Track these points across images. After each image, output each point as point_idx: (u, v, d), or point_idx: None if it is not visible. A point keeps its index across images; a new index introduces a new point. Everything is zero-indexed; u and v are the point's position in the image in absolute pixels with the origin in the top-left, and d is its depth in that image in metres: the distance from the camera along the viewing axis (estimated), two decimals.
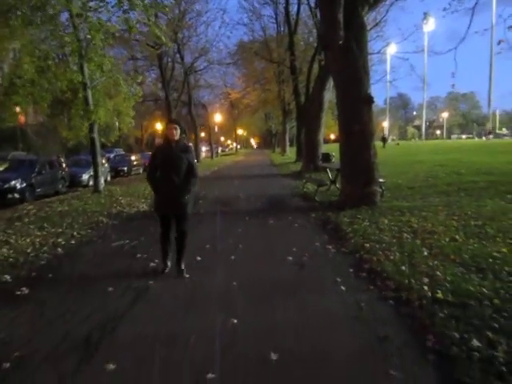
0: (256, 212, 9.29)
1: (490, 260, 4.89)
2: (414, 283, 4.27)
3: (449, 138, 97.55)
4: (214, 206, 10.30)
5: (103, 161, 20.03)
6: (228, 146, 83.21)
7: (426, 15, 22.91)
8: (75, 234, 7.12)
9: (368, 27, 22.82)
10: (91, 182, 19.85)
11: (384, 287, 4.31)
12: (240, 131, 67.67)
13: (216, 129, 49.84)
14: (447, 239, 5.92)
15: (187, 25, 24.45)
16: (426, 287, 4.14)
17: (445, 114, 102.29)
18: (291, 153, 38.59)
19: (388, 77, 40.31)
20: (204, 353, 3.02)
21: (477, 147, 31.69)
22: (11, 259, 5.59)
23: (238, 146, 71.15)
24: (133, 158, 27.52)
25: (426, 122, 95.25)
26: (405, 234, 6.30)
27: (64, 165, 18.77)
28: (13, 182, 14.41)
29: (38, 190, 15.63)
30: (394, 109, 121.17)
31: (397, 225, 6.97)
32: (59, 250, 6.18)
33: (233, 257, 5.61)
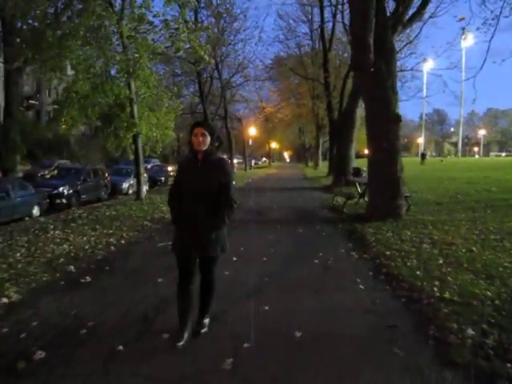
0: (287, 221, 9.94)
1: (501, 269, 5.35)
2: (426, 285, 4.80)
3: (487, 155, 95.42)
4: (247, 214, 11.01)
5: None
6: (261, 158, 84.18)
7: (464, 30, 23.19)
8: (124, 235, 7.97)
9: (401, 44, 23.30)
10: (130, 191, 21.03)
11: (398, 288, 4.86)
12: (273, 144, 68.52)
13: (250, 142, 50.82)
14: (464, 250, 6.38)
15: (226, 42, 25.63)
16: (435, 289, 4.67)
17: (482, 131, 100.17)
18: (323, 167, 39.06)
19: (424, 92, 40.36)
20: (241, 329, 3.68)
21: None
22: (72, 254, 6.44)
23: (271, 160, 71.92)
24: (169, 168, 28.67)
25: (463, 138, 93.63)
26: (424, 245, 6.79)
27: (106, 174, 20.02)
28: (61, 189, 15.63)
29: (83, 196, 16.80)
30: (430, 125, 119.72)
31: (418, 236, 7.45)
32: (112, 248, 7.01)
33: (265, 258, 6.27)
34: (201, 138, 3.32)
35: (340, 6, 25.60)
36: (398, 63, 24.95)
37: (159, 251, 6.77)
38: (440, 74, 48.43)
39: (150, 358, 3.21)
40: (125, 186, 21.29)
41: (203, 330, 3.60)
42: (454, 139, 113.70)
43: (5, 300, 4.42)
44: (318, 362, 3.16)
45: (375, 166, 9.89)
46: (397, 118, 9.69)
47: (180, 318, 3.49)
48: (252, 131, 45.88)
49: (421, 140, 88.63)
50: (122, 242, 7.48)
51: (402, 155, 10.02)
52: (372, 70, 9.32)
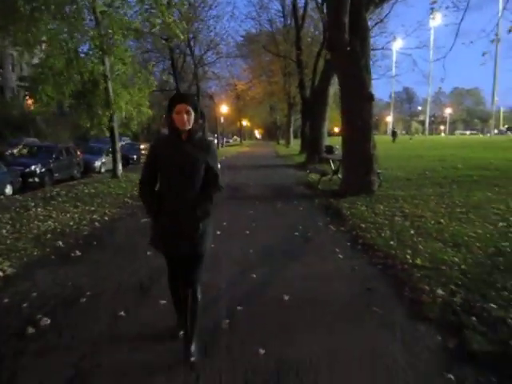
0: (264, 198, 10.24)
1: (466, 238, 5.80)
2: (399, 253, 5.20)
3: (452, 133, 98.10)
4: (225, 191, 11.22)
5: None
6: (233, 136, 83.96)
7: (433, 10, 23.55)
8: (107, 211, 8.09)
9: (372, 23, 23.55)
10: (103, 169, 20.87)
11: (374, 256, 5.24)
12: (244, 123, 68.40)
13: (222, 120, 50.64)
14: (433, 222, 6.84)
15: (198, 18, 25.29)
16: (408, 256, 5.07)
17: (449, 110, 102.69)
18: (295, 145, 39.46)
19: (393, 71, 40.98)
20: (233, 294, 3.97)
21: (479, 143, 32.52)
22: (58, 230, 6.55)
23: (242, 138, 71.87)
24: (142, 146, 28.46)
25: (430, 117, 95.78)
26: (396, 218, 7.22)
27: (79, 152, 19.75)
28: (33, 167, 15.37)
29: (56, 174, 16.58)
30: (399, 103, 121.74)
31: (390, 210, 7.88)
32: (96, 224, 7.15)
33: (247, 232, 6.57)
34: (185, 116, 2.65)
35: None
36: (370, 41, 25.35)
37: (144, 226, 6.93)
38: (410, 53, 49.02)
39: (151, 320, 3.46)
40: (97, 164, 21.10)
41: (192, 359, 2.85)
42: (421, 118, 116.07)
43: (0, 273, 4.55)
44: (307, 320, 3.49)
45: (349, 144, 10.23)
46: (370, 97, 10.02)
47: (176, 308, 3.17)
48: (224, 109, 45.69)
49: (390, 118, 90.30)
50: (106, 218, 7.62)
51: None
52: (347, 49, 9.56)
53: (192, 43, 26.10)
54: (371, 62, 26.97)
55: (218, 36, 29.79)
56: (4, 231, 6.35)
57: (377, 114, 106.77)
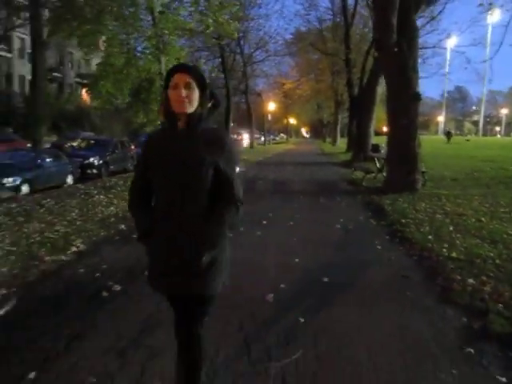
0: (308, 193, 10.62)
1: (505, 236, 5.97)
2: (436, 247, 5.46)
3: (508, 134, 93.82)
4: (271, 185, 11.75)
5: None
6: (279, 134, 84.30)
7: (491, 6, 22.95)
8: None
9: (424, 21, 23.20)
10: None
11: (411, 248, 5.53)
12: (291, 120, 68.57)
13: (269, 117, 51.15)
14: (473, 220, 6.99)
15: (248, 17, 25.89)
16: (444, 250, 5.33)
17: (505, 110, 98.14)
18: (342, 143, 39.36)
19: (446, 69, 39.87)
20: (277, 274, 4.42)
21: None
22: (120, 215, 7.24)
23: (289, 135, 72.08)
24: None
25: (485, 117, 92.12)
26: (437, 215, 7.41)
27: (132, 146, 20.85)
28: (91, 159, 16.49)
29: (111, 167, 17.65)
30: (450, 102, 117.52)
31: (432, 208, 8.06)
32: None
33: (291, 222, 7.00)
34: (184, 92, 1.90)
35: None
36: (420, 40, 24.89)
37: None
38: (463, 51, 47.36)
39: None
40: None
41: None
42: (475, 118, 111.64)
43: (74, 249, 5.23)
44: (343, 299, 3.88)
45: (394, 142, 10.43)
46: (417, 97, 10.16)
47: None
48: (271, 106, 46.14)
49: (441, 118, 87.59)
50: None
51: (420, 133, 10.52)
52: (395, 49, 9.75)
53: (242, 42, 26.72)
54: (421, 61, 26.40)
55: (266, 34, 30.36)
56: (73, 214, 7.11)
57: (427, 114, 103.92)
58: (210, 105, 2.05)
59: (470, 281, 4.24)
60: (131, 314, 3.49)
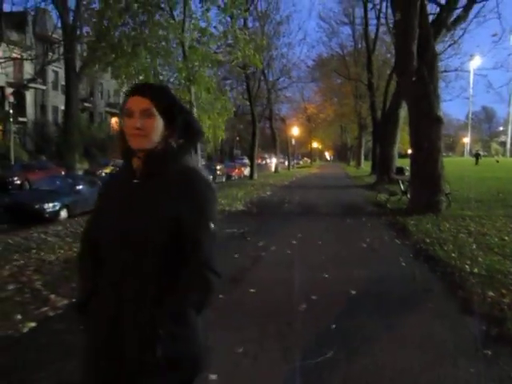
0: (334, 214, 10.99)
1: None
2: (459, 263, 5.75)
3: None
4: (298, 207, 12.19)
5: None
6: (302, 158, 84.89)
7: None
8: None
9: (445, 45, 23.58)
10: None
11: (435, 265, 5.84)
12: (315, 144, 69.16)
13: (293, 141, 51.87)
14: (496, 239, 7.23)
15: (272, 47, 26.86)
16: (467, 266, 5.61)
17: None
18: (366, 166, 39.57)
19: (471, 91, 39.96)
20: (309, 287, 4.80)
21: None
22: None
23: (313, 159, 72.53)
24: (218, 167, 30.16)
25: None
26: (461, 234, 7.67)
27: None
28: None
29: None
30: (476, 123, 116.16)
31: (456, 228, 8.31)
32: None
33: (320, 242, 7.39)
34: (139, 122, 1.44)
35: (384, 8, 26.17)
36: (442, 63, 25.32)
37: (229, 236, 8.03)
38: (485, 74, 47.41)
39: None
40: None
41: None
42: (502, 138, 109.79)
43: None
44: (370, 309, 4.23)
45: (418, 164, 10.76)
46: (438, 120, 10.52)
47: None
48: (295, 131, 46.86)
49: (467, 139, 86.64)
50: None
51: (446, 155, 10.82)
52: (415, 76, 10.18)
53: (266, 70, 27.60)
54: (444, 84, 26.55)
55: (290, 62, 31.26)
56: None
57: (453, 135, 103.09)
58: (181, 140, 1.52)
59: (490, 293, 4.53)
60: None
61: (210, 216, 1.46)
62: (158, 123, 1.46)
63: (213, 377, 2.89)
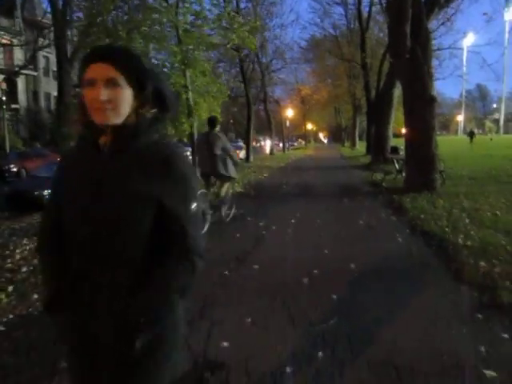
0: (331, 195, 11.22)
1: None
2: (452, 237, 5.99)
3: None
4: (295, 188, 12.40)
5: (188, 153, 22.85)
6: (297, 139, 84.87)
7: (507, 2, 23.25)
8: None
9: (438, 23, 23.58)
10: None
11: (430, 240, 6.08)
12: (309, 126, 69.11)
13: (288, 124, 51.85)
14: (489, 214, 7.48)
15: (265, 28, 26.70)
16: (460, 240, 5.86)
17: None
18: (361, 147, 39.76)
19: (464, 69, 39.96)
20: (310, 263, 5.03)
21: None
22: None
23: (306, 141, 72.53)
24: None
25: (506, 115, 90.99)
26: (454, 210, 7.91)
27: None
28: None
29: None
30: (471, 101, 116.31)
31: (450, 204, 8.54)
32: None
33: (318, 221, 7.61)
34: (104, 93, 1.25)
35: None
36: (436, 42, 25.31)
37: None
38: (479, 51, 47.38)
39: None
40: None
41: None
42: (496, 116, 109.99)
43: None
44: (369, 280, 4.48)
45: (412, 144, 10.95)
46: (432, 99, 10.67)
47: None
48: (289, 113, 46.83)
49: (460, 118, 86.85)
50: None
51: (440, 133, 11.01)
52: (408, 56, 10.29)
53: (259, 52, 27.49)
54: (438, 63, 26.53)
55: (283, 43, 31.14)
56: None
57: (447, 114, 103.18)
58: (153, 110, 1.37)
59: (482, 264, 4.78)
60: None
61: (193, 197, 1.35)
62: (126, 93, 1.28)
63: (225, 344, 3.13)
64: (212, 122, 7.34)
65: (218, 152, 7.01)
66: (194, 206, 1.34)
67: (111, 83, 1.24)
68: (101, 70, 1.24)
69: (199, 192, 5.17)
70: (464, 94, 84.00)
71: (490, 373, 2.68)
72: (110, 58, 1.26)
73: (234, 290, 4.29)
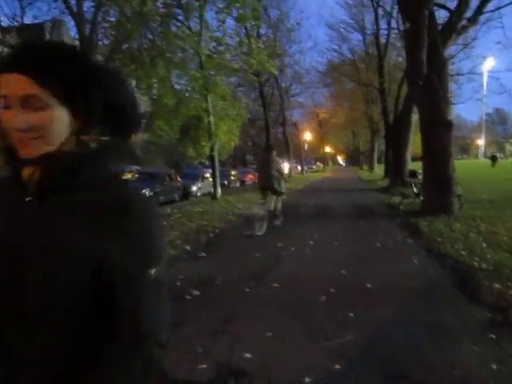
0: (349, 216, 11.39)
1: None
2: (468, 260, 6.11)
3: None
4: (313, 210, 12.60)
5: (207, 175, 23.24)
6: (315, 162, 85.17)
7: None
8: (216, 225, 9.74)
9: (457, 48, 23.79)
10: (199, 193, 23.07)
11: (445, 262, 6.21)
12: (327, 148, 69.44)
13: (306, 146, 52.28)
14: (505, 238, 7.54)
15: (285, 54, 27.46)
16: (475, 262, 5.97)
17: None
18: (379, 170, 39.75)
19: (484, 93, 39.99)
20: (327, 282, 5.21)
21: None
22: (183, 238, 8.23)
23: (324, 163, 72.76)
24: (232, 172, 30.68)
25: None
26: (471, 234, 8.00)
27: (178, 177, 22.22)
28: (143, 191, 17.81)
29: (161, 197, 18.91)
30: (490, 125, 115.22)
31: (467, 228, 8.63)
32: (211, 234, 8.79)
33: (336, 242, 7.79)
34: (20, 119, 0.84)
35: (395, 13, 26.45)
36: (454, 66, 25.55)
37: (247, 237, 8.46)
38: (498, 76, 47.47)
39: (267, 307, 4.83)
40: (194, 188, 23.31)
41: None
42: None
43: None
44: (385, 300, 4.63)
45: (429, 168, 11.11)
46: (449, 124, 10.87)
47: None
48: (307, 136, 47.29)
49: (481, 141, 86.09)
50: (217, 230, 9.26)
51: (460, 157, 11.14)
52: (424, 82, 10.54)
53: (279, 77, 28.14)
54: (456, 87, 26.66)
55: (302, 68, 31.82)
56: None
57: (467, 137, 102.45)
58: (103, 137, 0.95)
59: (496, 285, 4.89)
60: (212, 311, 4.39)
61: (155, 259, 0.92)
62: (57, 115, 0.87)
63: (247, 355, 3.33)
64: (269, 148, 9.98)
65: (274, 172, 9.11)
66: (154, 271, 0.90)
67: (29, 103, 0.84)
68: (14, 83, 0.84)
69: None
70: (484, 117, 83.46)
71: None
72: (24, 64, 0.84)
73: (254, 306, 4.50)
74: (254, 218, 8.80)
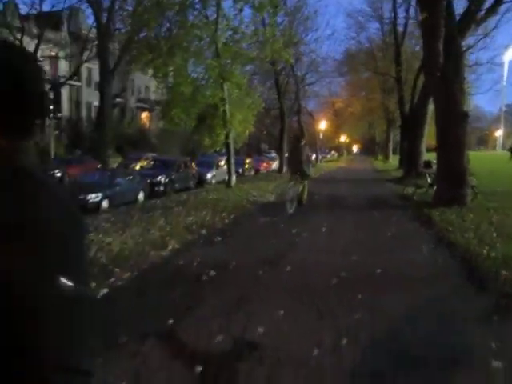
0: (362, 206, 11.54)
1: None
2: (477, 249, 6.24)
3: None
4: (326, 200, 12.76)
5: (222, 163, 23.48)
6: (330, 151, 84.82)
7: None
8: (232, 213, 9.96)
9: (477, 39, 23.45)
10: (213, 180, 23.33)
11: (455, 251, 6.36)
12: (343, 138, 69.06)
13: (321, 136, 52.13)
14: None
15: (301, 42, 27.31)
16: (484, 251, 6.09)
17: None
18: (394, 160, 39.54)
19: (504, 83, 39.35)
20: (339, 267, 5.40)
21: None
22: (199, 223, 8.47)
23: (340, 153, 72.46)
24: (247, 160, 30.86)
25: None
26: (483, 224, 8.10)
27: (193, 165, 22.51)
28: (159, 178, 18.15)
29: (176, 185, 19.22)
30: (510, 116, 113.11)
31: (479, 218, 8.71)
32: (226, 221, 9.02)
33: (348, 230, 7.99)
34: None
35: (413, 2, 26.13)
36: (474, 56, 25.19)
37: (263, 223, 8.68)
38: None
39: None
40: (209, 176, 23.58)
41: None
42: None
43: (170, 247, 6.47)
44: (394, 284, 4.82)
45: (443, 158, 11.17)
46: (464, 115, 10.88)
47: None
48: (322, 125, 47.13)
49: (499, 133, 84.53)
50: (232, 217, 9.48)
51: (477, 149, 11.15)
52: (441, 73, 10.55)
53: (295, 66, 28.08)
54: (475, 77, 26.36)
55: (318, 57, 31.60)
56: (161, 222, 8.40)
57: (485, 128, 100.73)
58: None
59: (504, 272, 5.04)
60: (228, 290, 4.62)
61: (67, 266, 0.73)
62: None
63: (260, 330, 3.56)
64: (298, 137, 11.95)
65: (303, 158, 10.59)
66: (64, 282, 0.70)
67: None
68: None
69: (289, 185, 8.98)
70: (503, 108, 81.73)
71: (496, 363, 3.00)
72: None
73: (267, 288, 4.73)
74: (286, 200, 9.87)
